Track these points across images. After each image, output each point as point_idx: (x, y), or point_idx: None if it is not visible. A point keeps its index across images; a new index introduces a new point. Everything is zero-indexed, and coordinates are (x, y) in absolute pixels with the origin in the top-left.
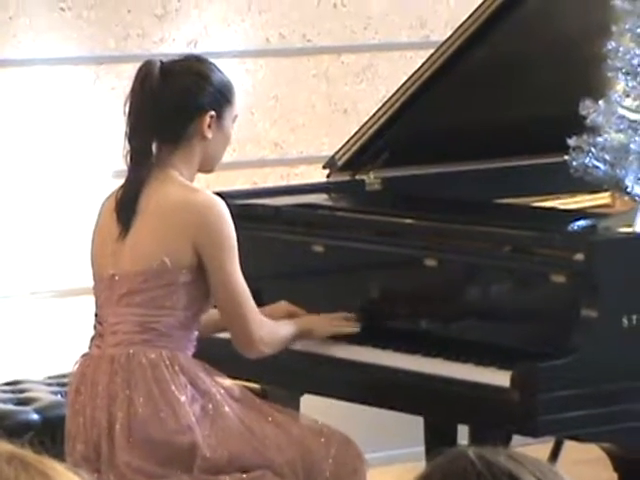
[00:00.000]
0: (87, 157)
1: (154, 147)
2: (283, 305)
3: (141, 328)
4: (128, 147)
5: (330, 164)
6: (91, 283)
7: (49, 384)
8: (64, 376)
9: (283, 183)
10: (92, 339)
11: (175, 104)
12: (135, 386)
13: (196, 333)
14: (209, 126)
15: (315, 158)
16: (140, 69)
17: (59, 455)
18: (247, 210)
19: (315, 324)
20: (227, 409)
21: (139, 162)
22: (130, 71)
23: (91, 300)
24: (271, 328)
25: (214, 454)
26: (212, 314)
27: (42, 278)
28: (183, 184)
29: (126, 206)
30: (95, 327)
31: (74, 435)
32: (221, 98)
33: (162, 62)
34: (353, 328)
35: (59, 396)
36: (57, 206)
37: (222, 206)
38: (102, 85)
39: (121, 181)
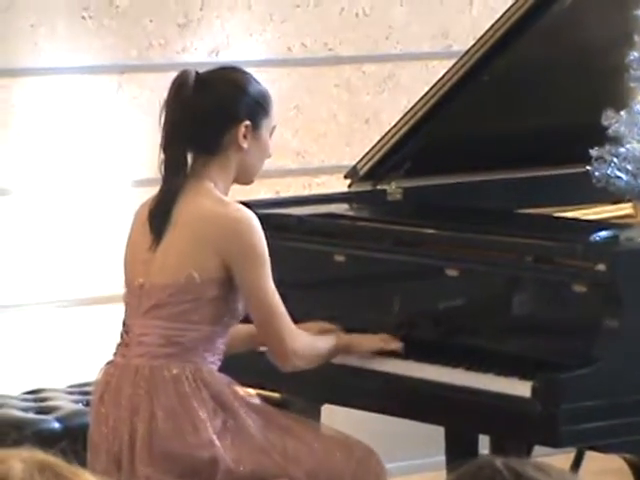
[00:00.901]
0: (108, 166)
1: (190, 158)
2: (316, 323)
3: (166, 341)
4: (163, 157)
5: (352, 174)
6: (113, 291)
7: (71, 393)
8: (86, 385)
9: (305, 193)
10: (118, 346)
11: (209, 114)
12: (157, 400)
13: (222, 347)
14: (245, 136)
15: (337, 168)
16: (175, 79)
17: (81, 464)
18: (269, 220)
19: (356, 339)
20: (249, 423)
21: (173, 172)
22: (152, 80)
23: (113, 309)
24: (307, 341)
25: (236, 468)
26: (245, 329)
27: (63, 287)
28: (216, 197)
29: (159, 217)
30: (122, 335)
31: (97, 443)
32: (257, 108)
33: (197, 72)
34: (397, 345)
35: (80, 405)
36: (79, 215)
37: (253, 219)
38: (124, 94)
39: (142, 190)
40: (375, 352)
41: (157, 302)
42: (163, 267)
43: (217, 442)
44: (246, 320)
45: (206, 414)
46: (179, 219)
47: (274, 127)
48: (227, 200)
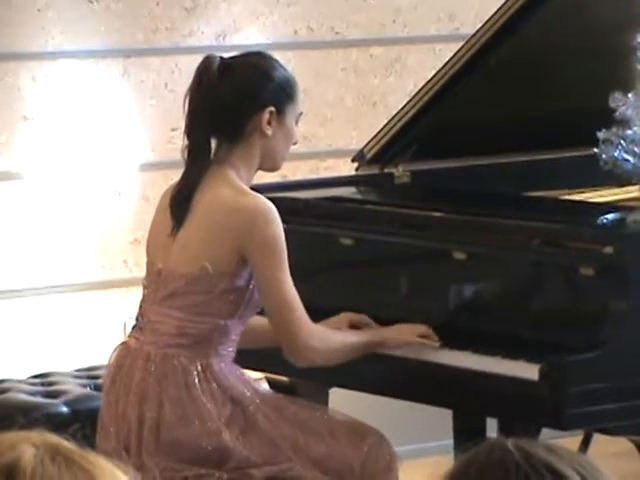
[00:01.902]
0: (115, 150)
1: (214, 144)
2: (345, 315)
3: (179, 332)
4: (186, 142)
5: (359, 157)
6: (118, 276)
7: (78, 377)
8: (93, 369)
9: (312, 176)
10: (132, 328)
11: (232, 100)
12: (166, 389)
13: (237, 338)
14: (269, 123)
15: (344, 151)
16: (199, 65)
17: (91, 447)
18: (276, 203)
19: (389, 334)
20: (259, 416)
21: (195, 159)
22: (158, 64)
23: (120, 293)
24: (324, 337)
25: (245, 459)
26: (264, 325)
27: (71, 271)
28: (236, 186)
29: (180, 203)
30: (137, 318)
31: (107, 424)
32: (282, 94)
33: (222, 58)
34: (433, 344)
35: (88, 389)
36: (85, 199)
37: (271, 210)
38: (131, 78)
39: (148, 174)
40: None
41: (173, 290)
42: (180, 255)
43: (225, 432)
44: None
45: (214, 405)
46: (199, 207)
47: (300, 113)
48: (247, 190)
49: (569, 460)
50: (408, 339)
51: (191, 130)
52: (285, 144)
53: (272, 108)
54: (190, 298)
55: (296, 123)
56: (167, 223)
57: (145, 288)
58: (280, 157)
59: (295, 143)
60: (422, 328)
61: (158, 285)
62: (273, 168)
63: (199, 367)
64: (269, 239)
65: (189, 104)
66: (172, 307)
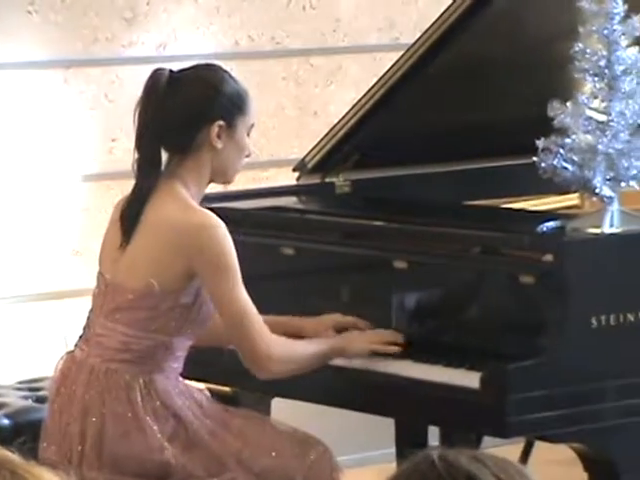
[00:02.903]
0: (56, 161)
1: (166, 157)
2: (327, 318)
3: (123, 347)
4: (136, 156)
5: (300, 167)
6: (58, 287)
7: (19, 389)
8: (35, 381)
9: (253, 186)
10: (80, 337)
11: (181, 113)
12: (109, 404)
13: (183, 355)
14: (218, 136)
15: (285, 161)
16: (149, 77)
17: (34, 458)
18: (217, 214)
19: (350, 341)
20: (202, 432)
21: (145, 172)
22: (98, 75)
23: (59, 304)
24: (285, 346)
25: (187, 474)
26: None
27: (11, 282)
28: (183, 201)
29: (129, 217)
30: (84, 328)
31: (51, 434)
32: (232, 107)
33: (171, 71)
34: (393, 349)
35: (29, 401)
36: (26, 210)
37: (218, 226)
38: (70, 89)
39: (91, 185)
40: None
41: (118, 305)
42: (128, 270)
43: (168, 449)
44: None
45: (156, 422)
46: (147, 222)
47: (252, 125)
48: (193, 205)
49: (495, 470)
50: (371, 346)
51: (141, 143)
52: (236, 157)
53: (221, 122)
54: (135, 314)
55: (248, 135)
56: (117, 236)
57: (93, 297)
58: (232, 170)
59: (248, 156)
60: (386, 333)
61: (106, 297)
62: (225, 181)
63: (142, 383)
64: (217, 256)
65: (138, 117)
66: (118, 322)
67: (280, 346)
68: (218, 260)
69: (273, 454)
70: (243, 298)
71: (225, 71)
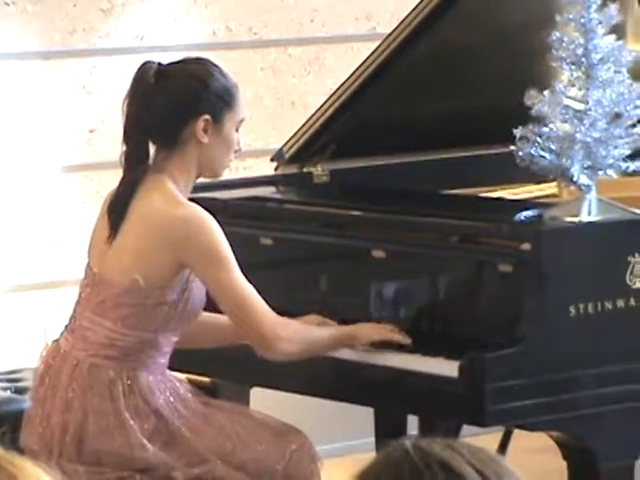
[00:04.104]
0: (35, 152)
1: (153, 150)
2: (314, 317)
3: (108, 342)
4: (124, 148)
5: (278, 157)
6: (38, 278)
7: None
8: (14, 372)
9: (232, 176)
10: (65, 327)
11: (167, 107)
12: (91, 400)
13: (168, 351)
14: (205, 130)
15: (263, 151)
16: (137, 71)
17: (15, 449)
18: (196, 204)
19: (359, 330)
20: (183, 430)
21: (132, 165)
22: (76, 66)
23: (41, 296)
24: (294, 328)
25: (168, 471)
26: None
27: None
28: (170, 195)
29: (116, 210)
30: (70, 319)
31: (33, 422)
32: (219, 102)
33: (160, 64)
34: (403, 339)
35: (9, 392)
36: (5, 201)
37: (204, 218)
38: (48, 80)
39: (71, 176)
40: (380, 343)
41: (104, 299)
42: (114, 264)
43: (148, 446)
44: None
45: (137, 419)
46: (134, 215)
47: (241, 120)
48: (180, 199)
49: (469, 458)
50: (380, 334)
51: (128, 136)
52: (224, 151)
53: (207, 116)
54: (121, 310)
55: (237, 130)
56: (105, 229)
57: (81, 289)
58: (219, 165)
59: (237, 151)
60: (389, 327)
61: (93, 290)
62: (213, 175)
63: (126, 380)
64: (206, 247)
65: (126, 110)
66: (104, 316)
67: (289, 327)
68: (207, 252)
69: (253, 446)
70: (241, 283)
71: (215, 65)
